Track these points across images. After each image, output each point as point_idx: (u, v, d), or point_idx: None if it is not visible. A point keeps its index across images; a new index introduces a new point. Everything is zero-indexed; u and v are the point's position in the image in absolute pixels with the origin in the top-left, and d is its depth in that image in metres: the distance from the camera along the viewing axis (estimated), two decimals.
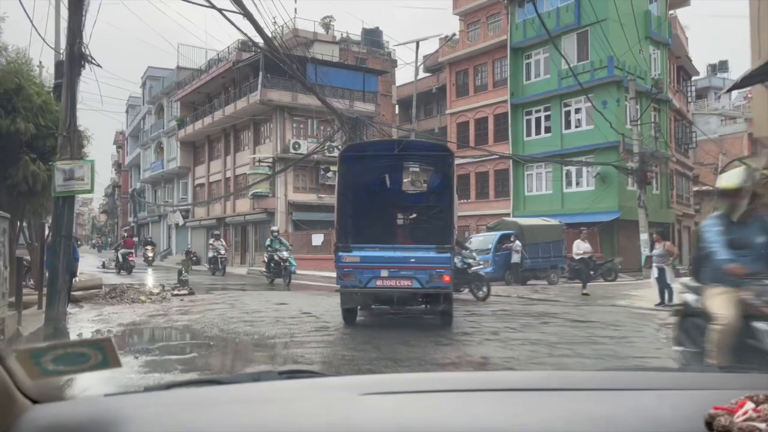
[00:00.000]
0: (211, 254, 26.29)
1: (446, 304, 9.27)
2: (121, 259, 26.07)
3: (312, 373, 1.61)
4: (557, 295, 16.16)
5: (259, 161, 30.72)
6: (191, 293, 14.25)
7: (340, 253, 9.09)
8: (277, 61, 16.76)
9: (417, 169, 13.75)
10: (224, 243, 26.11)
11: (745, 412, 0.91)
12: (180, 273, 15.62)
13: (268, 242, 20.25)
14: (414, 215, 12.23)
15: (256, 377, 1.48)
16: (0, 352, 1.04)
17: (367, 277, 8.89)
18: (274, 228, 22.00)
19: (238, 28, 39.50)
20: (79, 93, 9.72)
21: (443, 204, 10.31)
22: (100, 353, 1.11)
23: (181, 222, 41.58)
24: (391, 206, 11.77)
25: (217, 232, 25.59)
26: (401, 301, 9.54)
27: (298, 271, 24.27)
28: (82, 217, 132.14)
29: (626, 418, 1.08)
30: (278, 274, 19.14)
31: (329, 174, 31.82)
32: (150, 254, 30.54)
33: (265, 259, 20.38)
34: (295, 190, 31.59)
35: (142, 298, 12.67)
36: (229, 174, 35.97)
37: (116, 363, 1.12)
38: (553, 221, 22.76)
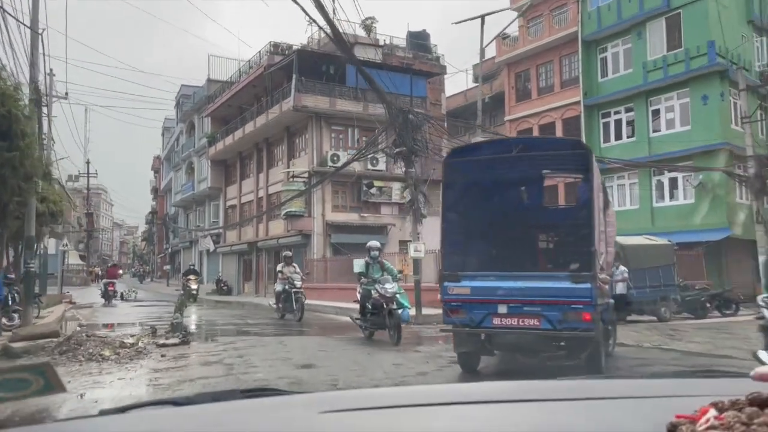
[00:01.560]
0: (279, 287, 17.13)
1: (592, 351, 7.02)
2: (103, 289, 26.29)
3: (274, 391, 1.57)
4: (705, 340, 11.41)
5: (293, 176, 26.87)
6: (184, 342, 10.15)
7: (446, 284, 7.59)
8: (342, 49, 15.51)
9: (543, 175, 9.90)
10: (299, 271, 17.49)
11: (707, 420, 0.86)
12: (178, 308, 11.57)
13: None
14: (543, 234, 9.94)
15: (216, 397, 1.45)
16: None
17: (480, 314, 7.38)
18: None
19: (306, 13, 36.18)
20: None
21: (580, 218, 8.17)
22: (42, 378, 1.08)
23: (211, 247, 38.12)
24: (511, 224, 9.20)
25: (288, 253, 18.36)
26: (527, 346, 7.56)
27: (332, 304, 20.13)
28: (126, 246, 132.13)
29: (588, 428, 1.06)
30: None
31: (373, 190, 27.74)
32: (193, 286, 25.88)
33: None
34: (334, 208, 27.56)
35: (106, 353, 8.62)
36: (261, 193, 32.29)
37: (60, 388, 1.10)
38: (661, 240, 17.97)
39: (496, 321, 7.24)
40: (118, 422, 1.25)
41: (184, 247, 46.74)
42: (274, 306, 17.33)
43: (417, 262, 15.78)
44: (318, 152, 27.22)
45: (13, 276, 15.59)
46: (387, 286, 11.02)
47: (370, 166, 27.65)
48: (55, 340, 9.35)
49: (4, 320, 14.78)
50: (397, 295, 10.65)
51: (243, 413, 1.29)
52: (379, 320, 11.36)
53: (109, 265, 45.56)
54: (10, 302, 14.90)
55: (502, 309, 7.22)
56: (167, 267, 52.30)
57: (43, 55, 14.49)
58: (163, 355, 8.84)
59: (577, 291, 6.93)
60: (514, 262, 8.18)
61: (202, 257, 41.79)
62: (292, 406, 1.37)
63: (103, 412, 1.34)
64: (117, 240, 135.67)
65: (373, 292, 11.50)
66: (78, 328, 11.65)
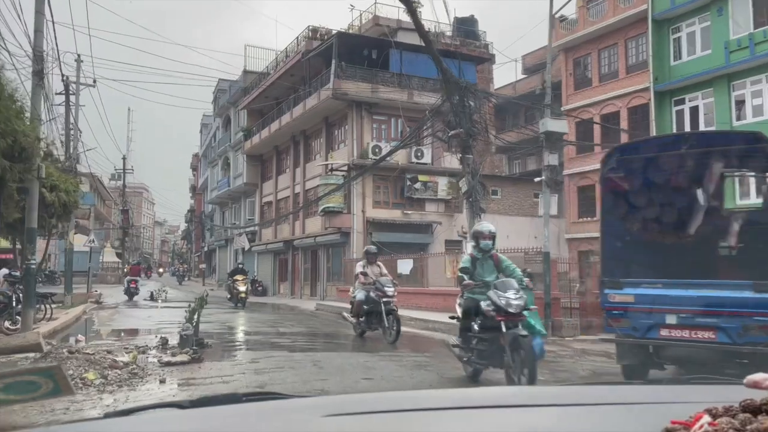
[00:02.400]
0: (360, 295, 12.01)
1: None
2: (126, 286, 26.94)
3: (276, 395, 1.56)
4: None
5: (332, 170, 24.89)
6: (195, 360, 8.15)
7: (607, 291, 7.10)
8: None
9: (719, 173, 8.17)
10: (387, 273, 12.91)
11: (701, 426, 0.88)
12: (190, 316, 9.62)
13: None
14: (719, 238, 8.48)
15: (219, 400, 1.46)
16: None
17: (645, 324, 6.70)
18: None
19: None
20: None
21: (764, 219, 7.79)
22: (51, 381, 1.10)
23: (246, 246, 36.54)
24: (679, 225, 8.08)
25: (372, 248, 13.55)
26: (702, 361, 6.52)
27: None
28: (167, 244, 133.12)
29: None
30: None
31: (417, 185, 25.54)
32: (242, 288, 21.67)
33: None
34: (375, 205, 25.47)
35: (90, 376, 6.69)
36: (298, 189, 30.45)
37: (68, 390, 1.16)
38: None
39: (664, 332, 6.67)
40: (122, 424, 1.27)
41: (220, 246, 45.43)
42: (351, 319, 12.65)
43: None
44: (358, 144, 25.18)
45: (18, 274, 14.03)
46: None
47: (414, 159, 25.49)
48: (31, 355, 7.45)
49: (7, 324, 13.21)
50: (525, 313, 6.72)
51: (246, 416, 1.32)
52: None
53: (132, 263, 45.31)
54: (14, 303, 13.31)
55: (671, 319, 6.61)
56: (203, 266, 51.17)
57: (52, 23, 12.81)
58: (162, 381, 6.84)
59: (761, 302, 6.21)
60: (685, 268, 7.30)
61: (238, 256, 40.27)
62: (295, 409, 1.40)
63: (108, 415, 1.38)
64: (158, 238, 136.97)
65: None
66: (70, 343, 9.76)
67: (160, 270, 72.31)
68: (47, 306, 16.18)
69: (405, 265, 19.64)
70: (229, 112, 40.95)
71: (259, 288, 33.08)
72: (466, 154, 13.87)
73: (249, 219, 36.75)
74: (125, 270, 50.37)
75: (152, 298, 26.92)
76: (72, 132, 24.17)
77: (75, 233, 24.14)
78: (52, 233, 15.43)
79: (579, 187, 27.85)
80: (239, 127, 37.67)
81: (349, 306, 13.06)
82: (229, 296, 22.72)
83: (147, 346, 9.27)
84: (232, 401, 1.45)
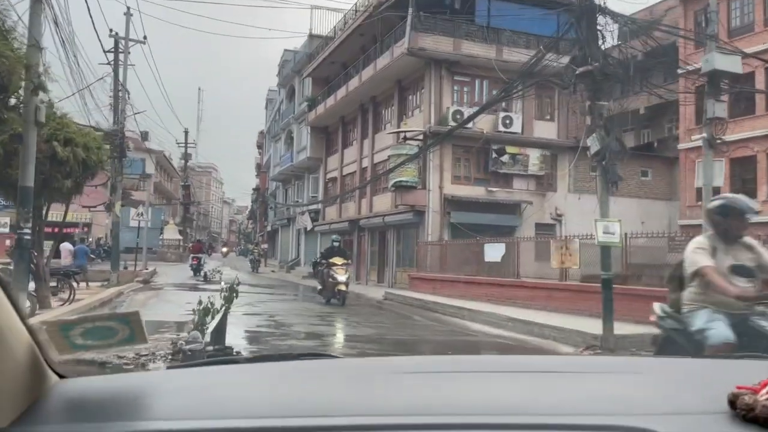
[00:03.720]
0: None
1: None
2: (190, 262, 27.64)
3: (328, 356, 1.61)
4: None
5: (405, 138, 21.55)
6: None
7: None
8: None
9: None
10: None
11: None
12: (199, 321, 6.57)
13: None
14: None
15: (275, 358, 1.54)
16: (29, 326, 1.03)
17: None
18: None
19: None
20: None
21: None
22: (128, 328, 1.11)
23: (309, 225, 33.87)
24: None
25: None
26: None
27: (451, 302, 14.41)
28: (235, 224, 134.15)
29: (648, 398, 1.10)
30: None
31: (505, 158, 21.87)
32: (341, 277, 15.57)
33: None
34: (455, 180, 21.97)
35: None
36: (365, 163, 27.33)
37: (143, 339, 1.14)
38: None
39: None
40: (184, 376, 1.34)
41: (282, 226, 43.15)
42: None
43: (605, 252, 9.88)
44: (436, 109, 21.70)
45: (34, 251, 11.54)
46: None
47: (501, 127, 21.80)
48: None
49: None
50: None
51: (301, 371, 1.37)
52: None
53: (194, 241, 44.59)
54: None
55: None
56: (265, 246, 49.18)
57: None
58: None
59: None
60: None
61: (300, 236, 37.80)
62: (348, 367, 1.45)
63: (171, 366, 1.53)
64: (226, 218, 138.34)
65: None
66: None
67: (224, 249, 69.11)
68: (71, 285, 13.80)
69: (494, 251, 16.11)
70: (294, 82, 38.28)
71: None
72: (598, 100, 10.16)
73: (312, 197, 34.03)
74: (189, 247, 49.36)
75: (205, 278, 24.58)
76: (120, 94, 21.89)
77: (123, 205, 21.97)
78: (70, 197, 12.79)
79: (698, 86, 23.32)
80: (303, 97, 34.90)
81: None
82: (320, 287, 16.35)
83: (138, 356, 6.30)
84: (286, 359, 1.52)
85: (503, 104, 22.70)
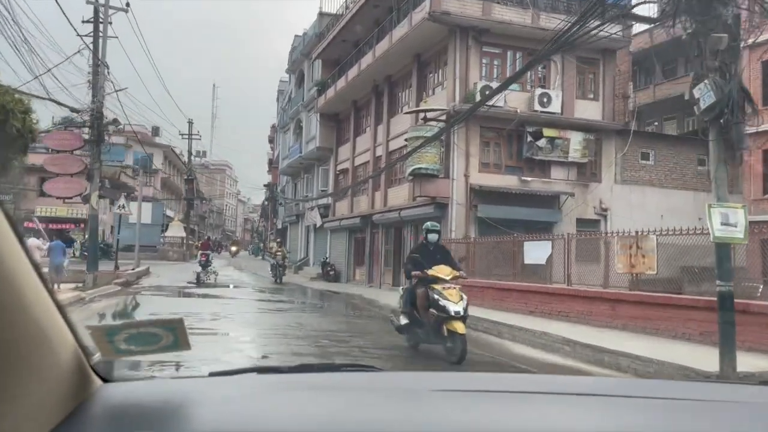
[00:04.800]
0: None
1: None
2: (198, 259, 26.76)
3: (371, 368, 1.55)
4: None
5: (425, 118, 18.45)
6: None
7: None
8: None
9: None
10: None
11: None
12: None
13: None
14: None
15: (318, 368, 1.52)
16: (75, 329, 1.04)
17: None
18: None
19: None
20: None
21: None
22: (172, 335, 1.12)
23: (318, 222, 30.96)
24: None
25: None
26: None
27: (487, 315, 11.20)
28: (250, 222, 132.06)
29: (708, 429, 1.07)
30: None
31: (541, 142, 18.72)
32: (453, 308, 7.65)
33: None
34: (483, 168, 18.85)
35: None
36: (380, 151, 24.30)
37: (186, 345, 1.14)
38: None
39: None
40: (226, 383, 1.33)
41: (291, 223, 40.31)
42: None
43: (723, 252, 6.73)
44: (462, 85, 18.59)
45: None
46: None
47: (537, 106, 18.64)
48: None
49: None
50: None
51: (349, 385, 1.35)
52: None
53: (203, 238, 43.18)
54: None
55: None
56: (272, 244, 46.39)
57: None
58: None
59: None
60: None
61: (309, 234, 34.91)
62: (393, 382, 1.42)
63: (213, 374, 1.40)
64: (241, 216, 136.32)
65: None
66: None
67: (233, 248, 62.43)
68: None
69: (537, 251, 12.94)
70: (303, 66, 35.37)
71: (331, 272, 27.40)
72: (710, 28, 7.01)
73: (322, 190, 31.07)
74: (196, 245, 46.71)
75: (198, 281, 21.74)
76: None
77: (100, 196, 19.17)
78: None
79: (764, 62, 20.02)
80: (312, 81, 31.98)
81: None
82: (404, 321, 8.78)
83: None
84: (330, 370, 1.52)
85: (540, 80, 19.57)
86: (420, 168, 17.92)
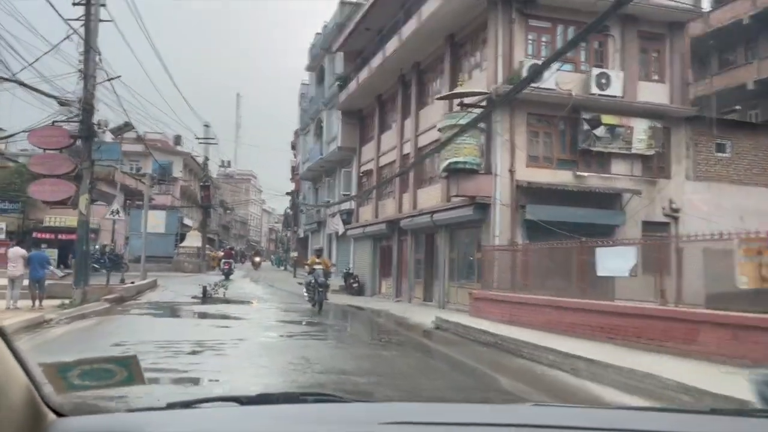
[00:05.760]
0: None
1: None
2: (222, 266, 29.41)
3: (332, 397, 1.57)
4: None
5: (462, 104, 15.66)
6: None
7: None
8: None
9: None
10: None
11: None
12: None
13: None
14: None
15: (278, 399, 1.50)
16: (27, 365, 1.03)
17: None
18: None
19: None
20: None
21: None
22: (126, 370, 1.15)
23: (341, 229, 28.34)
24: None
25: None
26: None
27: (537, 340, 8.35)
28: (274, 233, 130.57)
29: None
30: None
31: (599, 131, 15.86)
32: None
33: None
34: (531, 162, 16.00)
35: None
36: (407, 148, 21.61)
37: (141, 380, 1.19)
38: None
39: None
40: (185, 416, 1.33)
41: (312, 231, 37.83)
42: None
43: None
44: (505, 64, 15.79)
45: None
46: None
47: (595, 89, 15.75)
48: None
49: None
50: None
51: (307, 416, 1.33)
52: None
53: (226, 248, 43.25)
54: None
55: None
56: (294, 254, 43.94)
57: None
58: None
59: None
60: None
61: (331, 242, 32.27)
62: (353, 414, 1.39)
63: (171, 405, 1.39)
64: (265, 226, 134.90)
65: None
66: None
67: (256, 259, 54.88)
68: None
69: (616, 259, 9.99)
70: (323, 62, 32.95)
71: (354, 285, 24.73)
72: None
73: (344, 194, 28.46)
74: (213, 255, 44.41)
75: (204, 295, 19.26)
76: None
77: (90, 199, 16.78)
78: None
79: None
80: (334, 76, 29.48)
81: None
82: None
83: None
84: (290, 400, 1.51)
85: (596, 59, 16.70)
86: (457, 162, 15.14)
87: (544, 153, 16.22)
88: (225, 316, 13.94)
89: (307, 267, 18.59)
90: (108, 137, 20.89)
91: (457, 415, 1.37)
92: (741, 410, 1.94)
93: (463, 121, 14.50)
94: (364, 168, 26.92)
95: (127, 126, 31.89)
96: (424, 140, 20.12)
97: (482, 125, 14.99)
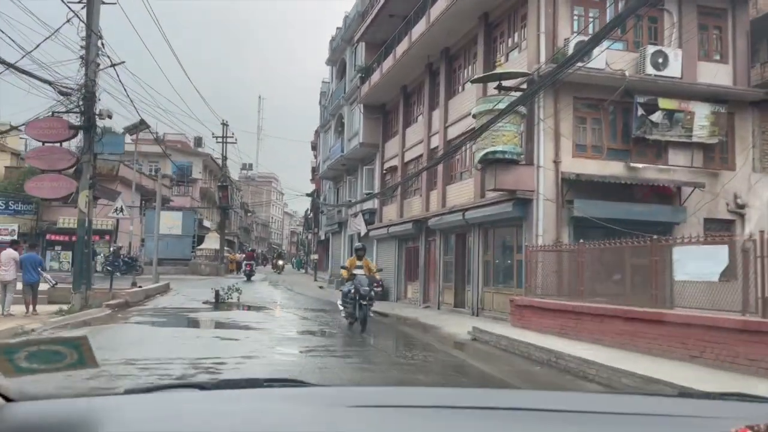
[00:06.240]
0: None
1: None
2: (243, 267, 31.27)
3: (298, 383, 1.54)
4: None
5: (499, 87, 13.93)
6: None
7: None
8: None
9: None
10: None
11: None
12: None
13: None
14: None
15: (241, 384, 1.44)
16: None
17: None
18: None
19: None
20: None
21: None
22: (76, 352, 1.08)
23: (363, 229, 26.72)
24: None
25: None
26: None
27: (634, 373, 6.84)
28: (296, 235, 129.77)
29: None
30: None
31: (655, 117, 14.06)
32: None
33: None
34: (578, 151, 14.24)
35: None
36: (435, 141, 19.96)
37: (93, 363, 1.10)
38: None
39: None
40: (143, 402, 1.26)
41: (333, 232, 36.26)
42: None
43: None
44: (548, 42, 14.06)
45: None
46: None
47: (650, 69, 13.95)
48: None
49: None
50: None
51: (270, 402, 1.29)
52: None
53: (248, 250, 43.71)
54: None
55: None
56: (315, 256, 42.51)
57: None
58: None
59: None
60: None
61: (353, 244, 30.65)
62: (317, 398, 1.34)
63: (129, 391, 1.34)
64: (287, 229, 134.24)
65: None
66: None
67: (279, 262, 51.45)
68: None
69: (703, 261, 8.20)
70: (345, 55, 31.46)
71: (378, 289, 22.97)
72: None
73: (366, 194, 26.85)
74: (231, 258, 42.92)
75: (217, 300, 17.79)
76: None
77: (91, 196, 15.38)
78: None
79: None
80: (356, 68, 27.93)
81: None
82: None
83: None
84: (253, 386, 1.43)
85: (650, 37, 14.88)
86: (495, 152, 13.40)
87: (592, 142, 14.42)
88: (234, 326, 12.40)
89: (343, 273, 13.81)
90: (112, 128, 19.41)
91: (428, 399, 1.37)
92: (709, 393, 1.81)
93: (501, 106, 12.81)
94: (387, 165, 25.30)
95: (143, 124, 30.79)
96: (453, 132, 18.45)
97: (523, 109, 13.27)
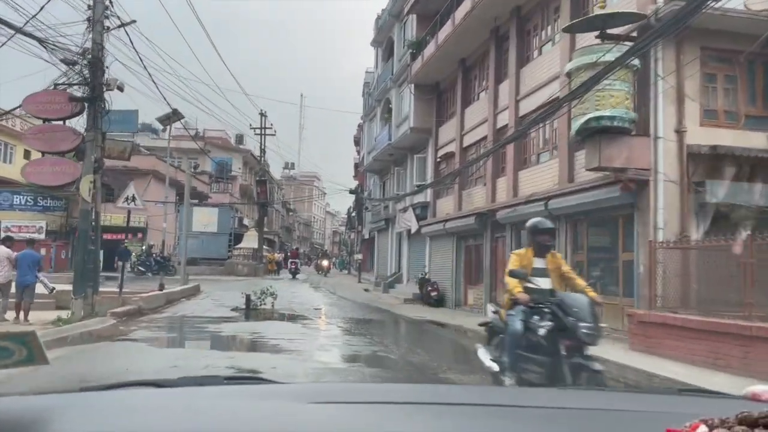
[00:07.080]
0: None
1: None
2: (289, 266, 32.92)
3: (259, 380, 1.51)
4: None
5: (603, 35, 10.68)
6: None
7: None
8: None
9: None
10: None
11: None
12: None
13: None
14: None
15: (201, 381, 1.42)
16: None
17: None
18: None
19: None
20: None
21: None
22: (25, 348, 1.05)
23: (414, 226, 23.76)
24: None
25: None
26: None
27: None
28: (338, 235, 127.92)
29: None
30: None
31: None
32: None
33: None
34: (707, 117, 10.91)
35: None
36: (504, 119, 16.84)
37: (43, 359, 1.07)
38: None
39: None
40: (99, 399, 1.22)
41: (379, 230, 33.42)
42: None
43: None
44: None
45: None
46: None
47: None
48: None
49: None
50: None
51: (229, 399, 1.23)
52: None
53: (292, 249, 44.27)
54: None
55: None
56: (359, 256, 39.71)
57: None
58: None
59: None
60: None
61: (401, 242, 27.77)
62: (279, 395, 1.32)
63: (84, 389, 1.30)
64: (329, 229, 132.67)
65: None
66: None
67: (323, 263, 45.18)
68: None
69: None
70: (392, 32, 28.53)
71: (433, 294, 20.05)
72: None
73: (416, 185, 23.84)
74: (270, 258, 40.43)
75: (248, 306, 15.08)
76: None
77: (97, 182, 12.84)
78: None
79: None
80: (405, 43, 24.96)
81: None
82: None
83: None
84: (214, 383, 1.41)
85: None
86: (601, 118, 10.17)
87: (725, 106, 11.06)
88: (261, 346, 9.60)
89: (513, 287, 5.71)
90: (117, 97, 17.01)
91: (392, 395, 1.35)
92: (709, 390, 1.82)
93: (609, 57, 9.61)
94: (442, 152, 22.23)
95: (176, 115, 28.51)
96: (527, 106, 15.29)
97: (636, 62, 10.03)
